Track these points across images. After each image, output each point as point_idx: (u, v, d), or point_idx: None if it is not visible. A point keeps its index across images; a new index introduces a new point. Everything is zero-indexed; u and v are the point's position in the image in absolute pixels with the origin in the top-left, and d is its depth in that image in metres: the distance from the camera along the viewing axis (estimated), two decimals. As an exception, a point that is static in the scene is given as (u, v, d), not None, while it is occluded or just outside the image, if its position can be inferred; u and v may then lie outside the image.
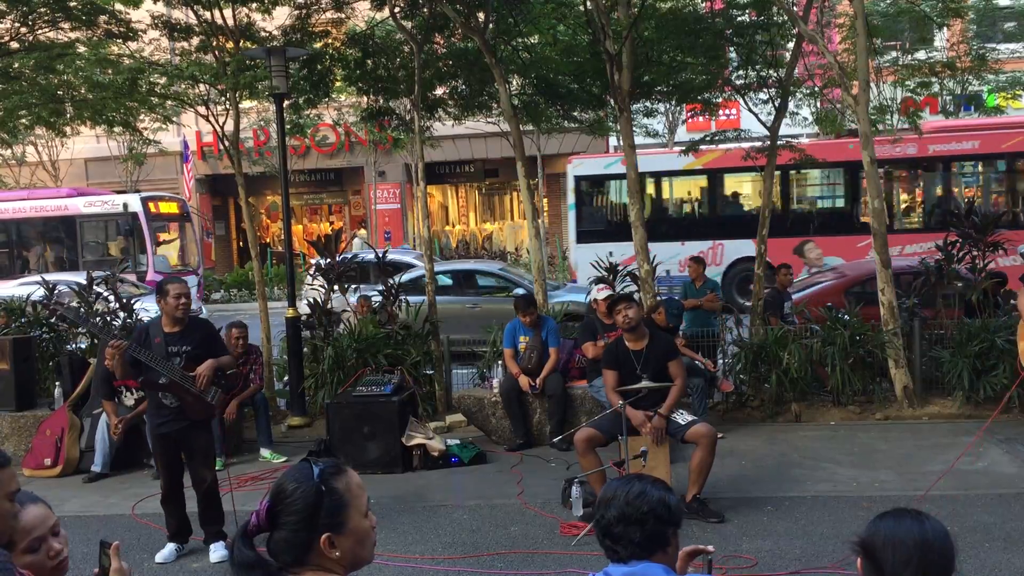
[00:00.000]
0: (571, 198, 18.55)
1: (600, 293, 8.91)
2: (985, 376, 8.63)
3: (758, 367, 9.29)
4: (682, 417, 6.45)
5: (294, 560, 2.08)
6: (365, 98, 12.48)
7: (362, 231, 28.01)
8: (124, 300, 10.47)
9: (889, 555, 2.18)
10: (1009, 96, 19.94)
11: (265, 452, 8.68)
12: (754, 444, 8.29)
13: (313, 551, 2.08)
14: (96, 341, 9.69)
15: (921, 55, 18.48)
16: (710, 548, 2.79)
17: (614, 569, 2.51)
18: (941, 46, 19.46)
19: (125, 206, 19.77)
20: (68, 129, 13.69)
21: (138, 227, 19.81)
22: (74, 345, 10.48)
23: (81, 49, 11.34)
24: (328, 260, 10.28)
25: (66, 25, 10.97)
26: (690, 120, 21.47)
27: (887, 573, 2.17)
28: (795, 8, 10.89)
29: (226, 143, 11.05)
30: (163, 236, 21.69)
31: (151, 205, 20.24)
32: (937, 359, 9.14)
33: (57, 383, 9.31)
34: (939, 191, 18.27)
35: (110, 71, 11.31)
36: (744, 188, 19.21)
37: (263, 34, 11.08)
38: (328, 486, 2.11)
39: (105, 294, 10.53)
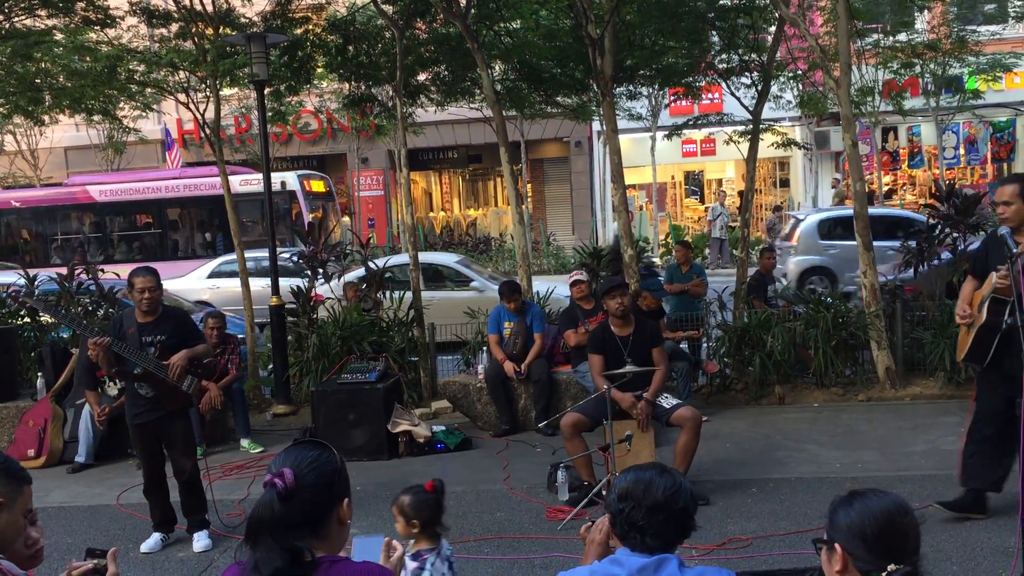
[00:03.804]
0: None
1: (574, 277, 8.93)
2: (966, 357, 8.68)
3: (742, 350, 9.33)
4: (667, 401, 6.48)
5: (306, 532, 2.16)
6: (347, 85, 12.42)
7: (345, 218, 27.91)
8: (105, 290, 10.40)
9: (888, 535, 2.22)
10: (989, 78, 20.01)
11: (244, 442, 8.67)
12: (738, 427, 8.34)
13: (329, 520, 2.22)
14: (77, 332, 9.63)
15: (902, 37, 18.52)
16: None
17: (630, 559, 2.50)
18: (922, 28, 19.51)
19: (283, 184, 19.06)
20: (47, 118, 13.57)
21: (296, 206, 19.19)
22: (56, 333, 10.39)
23: (58, 36, 11.22)
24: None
25: (43, 12, 10.85)
26: (673, 104, 21.45)
27: (892, 552, 2.20)
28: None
29: (207, 131, 10.98)
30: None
31: (305, 183, 19.61)
32: (919, 340, 9.20)
33: (39, 373, 9.24)
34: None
35: (88, 58, 11.20)
36: None
37: (243, 20, 10.99)
38: (339, 457, 2.30)
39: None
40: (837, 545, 2.26)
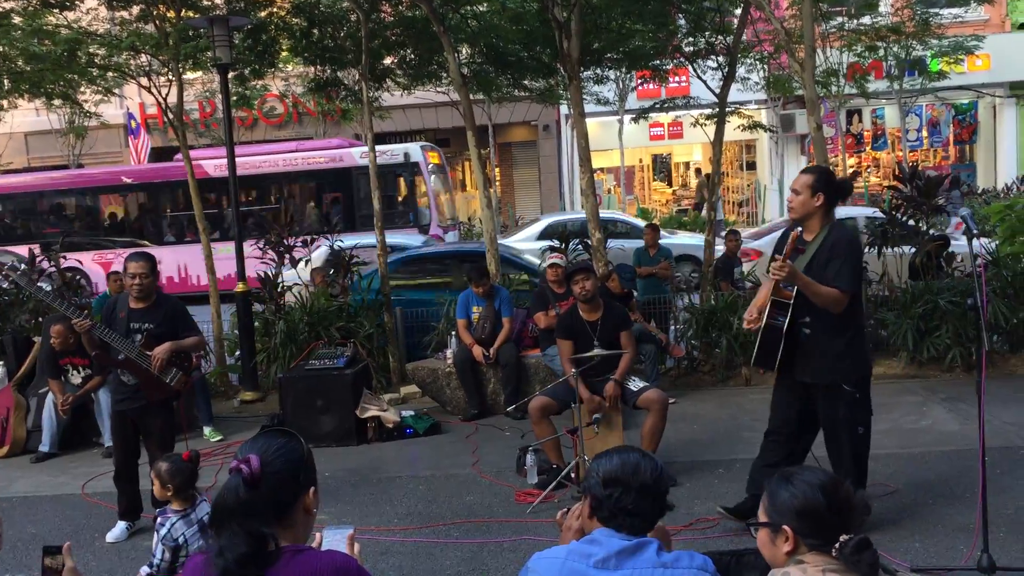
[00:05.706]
0: None
1: (551, 260, 8.93)
2: (929, 337, 8.81)
3: (709, 332, 9.39)
4: (634, 383, 6.51)
5: (271, 519, 2.17)
6: (312, 68, 12.31)
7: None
8: (68, 277, 10.27)
9: (838, 506, 2.26)
10: (951, 61, 20.20)
11: (207, 430, 8.61)
12: (705, 408, 8.40)
13: (295, 508, 2.23)
14: (40, 319, 9.50)
15: (866, 20, 18.65)
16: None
17: (610, 540, 2.50)
18: (886, 11, 19.65)
19: (407, 155, 18.64)
20: (5, 103, 13.32)
21: (420, 179, 18.74)
22: (21, 318, 10.23)
23: (16, 20, 11.00)
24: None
25: (-1, -6, 10.64)
26: (640, 87, 21.49)
27: (843, 524, 2.24)
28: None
29: (170, 115, 10.83)
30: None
31: (426, 154, 19.05)
32: (882, 320, 9.30)
33: (1, 362, 9.12)
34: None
35: (47, 42, 10.99)
36: None
37: (205, 3, 10.83)
38: (307, 446, 2.33)
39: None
40: (786, 528, 2.28)
